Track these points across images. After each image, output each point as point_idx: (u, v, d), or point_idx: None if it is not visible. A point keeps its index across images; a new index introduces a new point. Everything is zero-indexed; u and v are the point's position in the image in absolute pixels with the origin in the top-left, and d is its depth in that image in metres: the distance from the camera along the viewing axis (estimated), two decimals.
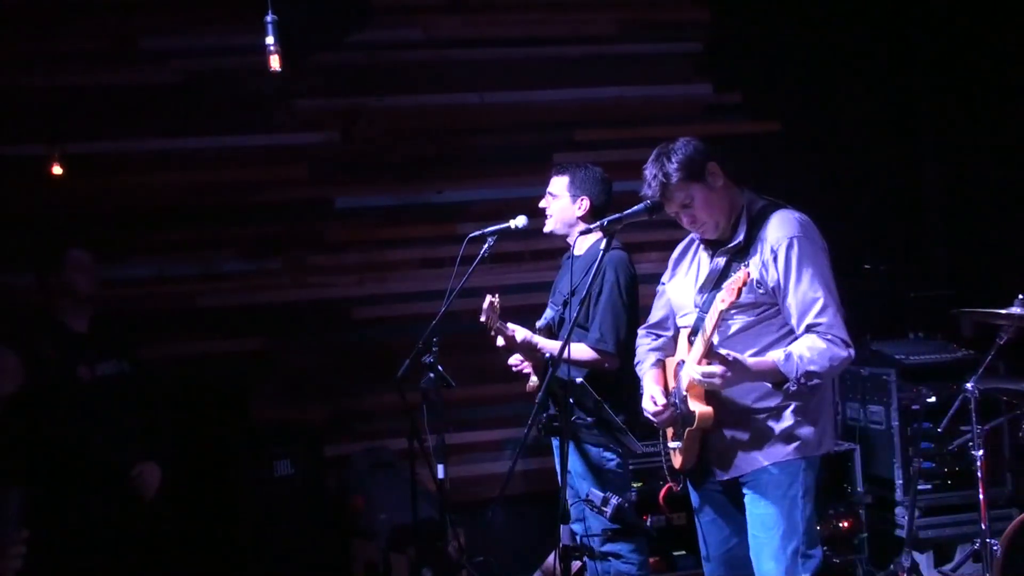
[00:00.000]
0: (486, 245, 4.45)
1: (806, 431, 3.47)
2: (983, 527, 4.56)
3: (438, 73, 6.09)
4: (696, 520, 3.72)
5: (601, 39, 6.29)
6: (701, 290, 3.56)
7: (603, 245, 3.62)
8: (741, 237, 3.50)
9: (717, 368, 3.28)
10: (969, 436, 4.67)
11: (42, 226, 5.44)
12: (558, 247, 4.69)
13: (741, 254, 3.48)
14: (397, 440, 4.91)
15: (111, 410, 4.47)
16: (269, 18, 4.31)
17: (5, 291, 5.29)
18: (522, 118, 6.17)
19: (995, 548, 4.49)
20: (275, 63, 4.35)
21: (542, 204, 4.58)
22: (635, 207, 3.58)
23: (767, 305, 3.46)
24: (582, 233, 4.38)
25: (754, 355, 3.41)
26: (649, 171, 3.53)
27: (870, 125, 6.48)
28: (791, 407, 3.45)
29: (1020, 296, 4.37)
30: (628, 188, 5.03)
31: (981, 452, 4.59)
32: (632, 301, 4.40)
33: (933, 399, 5.34)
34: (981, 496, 4.57)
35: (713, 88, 6.40)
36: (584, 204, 4.47)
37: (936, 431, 4.85)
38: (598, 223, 3.67)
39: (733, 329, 3.47)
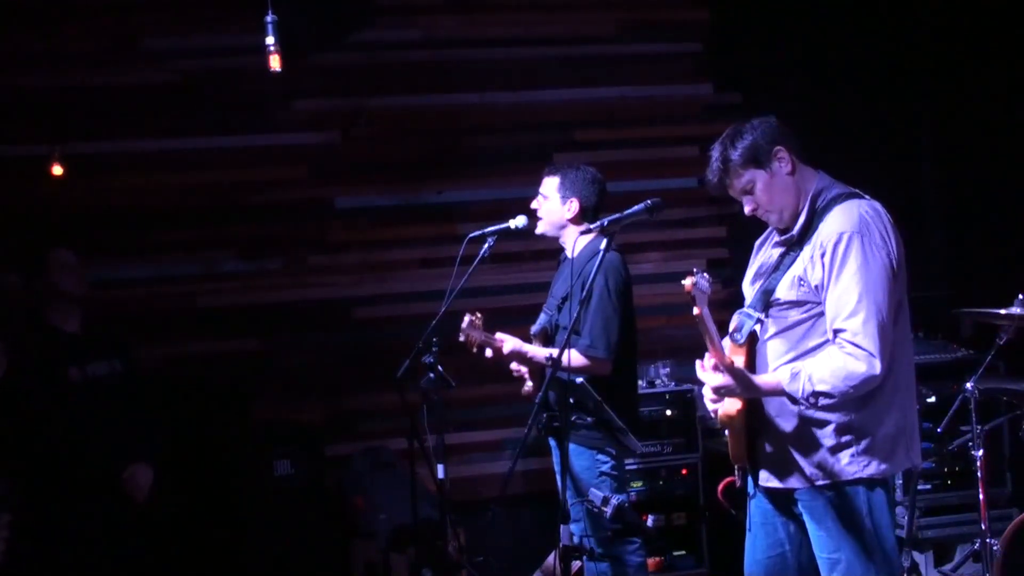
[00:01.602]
0: (486, 245, 4.45)
1: (857, 448, 3.21)
2: (983, 527, 4.56)
3: (438, 73, 6.09)
4: (748, 510, 3.47)
5: (601, 39, 6.28)
6: (753, 281, 3.42)
7: (603, 246, 3.59)
8: (796, 229, 3.31)
9: (720, 380, 3.17)
10: (969, 436, 4.67)
11: (42, 226, 5.45)
12: (558, 247, 4.69)
13: (796, 247, 3.30)
14: (397, 440, 4.91)
15: (102, 411, 4.45)
16: (269, 18, 4.32)
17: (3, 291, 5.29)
18: (522, 118, 6.17)
19: (995, 548, 4.49)
20: (275, 63, 4.35)
21: (533, 205, 4.58)
22: (635, 207, 3.53)
23: (812, 304, 3.22)
24: (582, 233, 4.38)
25: (794, 358, 3.23)
26: (713, 153, 3.34)
27: (870, 125, 6.48)
28: (833, 423, 3.22)
29: (1020, 296, 4.37)
30: (628, 188, 5.05)
31: (981, 452, 4.59)
32: (623, 305, 4.38)
33: (933, 399, 5.34)
34: (981, 496, 4.57)
35: (713, 88, 6.40)
36: (573, 206, 4.47)
37: (936, 431, 4.85)
38: (598, 223, 3.65)
39: (776, 328, 3.28)
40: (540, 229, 4.57)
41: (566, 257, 4.54)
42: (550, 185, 4.52)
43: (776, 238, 3.42)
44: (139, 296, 5.68)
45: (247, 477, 5.29)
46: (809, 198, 3.32)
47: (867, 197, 3.34)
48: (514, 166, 6.05)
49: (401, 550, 5.15)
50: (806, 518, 3.34)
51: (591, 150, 5.98)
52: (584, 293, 3.87)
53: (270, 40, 4.32)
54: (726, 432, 3.41)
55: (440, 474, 4.29)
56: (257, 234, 5.88)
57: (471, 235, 4.49)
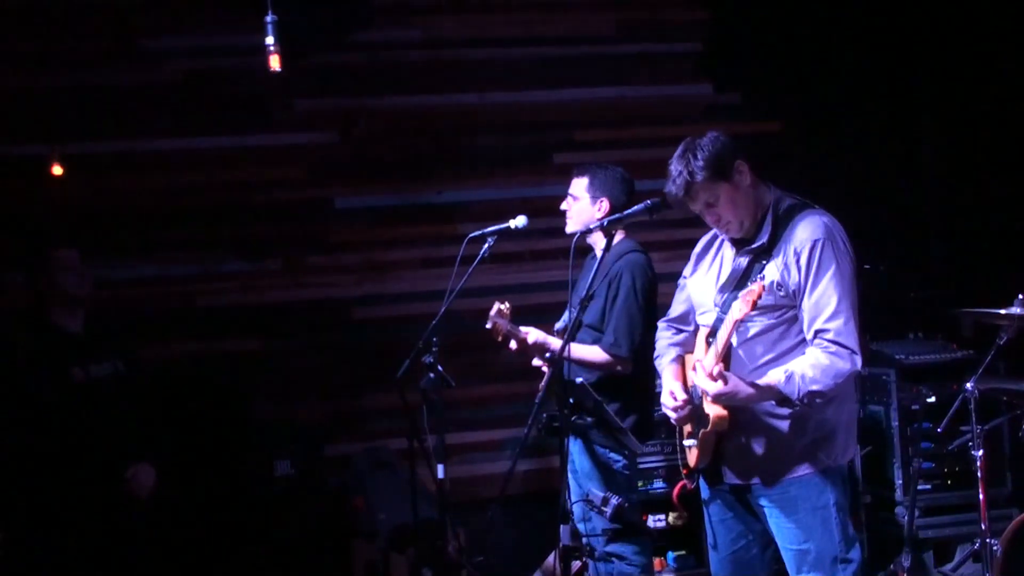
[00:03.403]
0: (486, 245, 4.45)
1: (825, 443, 3.42)
2: (983, 527, 4.56)
3: (438, 73, 6.09)
4: (705, 516, 3.66)
5: (601, 39, 6.28)
6: (722, 289, 3.51)
7: (601, 246, 3.61)
8: (765, 238, 3.43)
9: (724, 388, 3.26)
10: (969, 436, 4.66)
11: (41, 226, 5.45)
12: (558, 247, 4.70)
13: (764, 255, 3.43)
14: (397, 440, 4.92)
15: (105, 411, 4.45)
16: (269, 18, 4.32)
17: (2, 291, 5.29)
18: (522, 118, 6.17)
19: (995, 548, 4.50)
20: (275, 63, 4.36)
21: (563, 206, 4.60)
22: (635, 207, 3.59)
23: (787, 308, 3.39)
24: (581, 233, 4.39)
25: (771, 360, 3.38)
26: (674, 168, 3.43)
27: (870, 125, 6.48)
28: (805, 419, 3.38)
29: (1020, 296, 4.37)
30: None
31: (981, 452, 4.58)
32: (649, 305, 4.41)
33: (933, 399, 5.35)
34: (981, 496, 4.56)
35: (713, 88, 6.40)
36: (604, 206, 4.49)
37: (936, 431, 4.85)
38: (597, 223, 3.67)
39: (752, 332, 3.41)
40: (571, 228, 4.58)
41: (594, 256, 4.55)
42: (579, 186, 4.54)
43: (732, 248, 3.54)
44: (139, 296, 5.68)
45: (247, 477, 5.29)
46: (771, 208, 3.46)
47: (818, 208, 3.49)
48: (514, 166, 6.05)
49: (401, 550, 5.16)
50: (773, 512, 3.46)
51: (591, 150, 5.97)
52: (605, 293, 3.89)
53: (270, 40, 4.32)
54: (692, 443, 3.50)
55: (440, 474, 4.30)
56: (257, 234, 5.87)
57: (471, 235, 4.49)
